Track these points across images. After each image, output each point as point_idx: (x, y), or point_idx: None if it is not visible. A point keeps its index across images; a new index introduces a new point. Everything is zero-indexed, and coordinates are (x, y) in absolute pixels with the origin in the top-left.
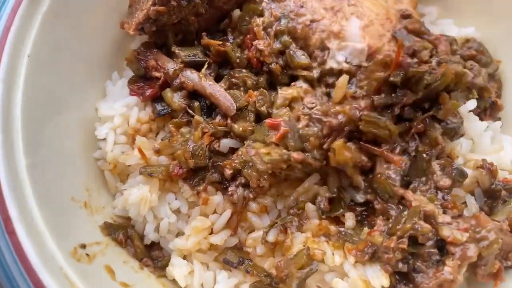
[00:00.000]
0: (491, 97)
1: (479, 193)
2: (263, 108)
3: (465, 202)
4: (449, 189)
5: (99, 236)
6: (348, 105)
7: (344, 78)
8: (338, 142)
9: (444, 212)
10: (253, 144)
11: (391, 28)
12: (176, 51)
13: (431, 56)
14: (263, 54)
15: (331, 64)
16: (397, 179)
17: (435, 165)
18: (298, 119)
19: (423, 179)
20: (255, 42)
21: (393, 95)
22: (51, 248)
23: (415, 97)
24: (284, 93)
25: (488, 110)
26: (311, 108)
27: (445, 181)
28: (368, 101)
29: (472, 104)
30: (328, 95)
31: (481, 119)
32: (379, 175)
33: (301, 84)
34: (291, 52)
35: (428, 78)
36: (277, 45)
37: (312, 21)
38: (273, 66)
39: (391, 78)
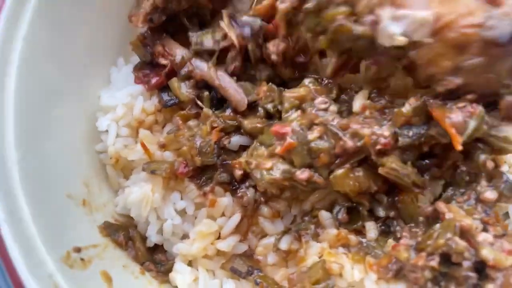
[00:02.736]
0: None
1: None
2: (270, 106)
3: (507, 213)
4: (493, 203)
5: (97, 237)
6: (371, 128)
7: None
8: (340, 172)
9: (485, 229)
10: (257, 152)
11: None
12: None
13: None
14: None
15: (382, 39)
16: (426, 199)
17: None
18: (311, 125)
19: (462, 189)
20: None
21: (423, 131)
22: (40, 253)
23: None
24: (291, 94)
25: None
26: (325, 110)
27: (490, 194)
28: (392, 131)
29: None
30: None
31: None
32: (404, 196)
33: (310, 83)
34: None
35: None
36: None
37: None
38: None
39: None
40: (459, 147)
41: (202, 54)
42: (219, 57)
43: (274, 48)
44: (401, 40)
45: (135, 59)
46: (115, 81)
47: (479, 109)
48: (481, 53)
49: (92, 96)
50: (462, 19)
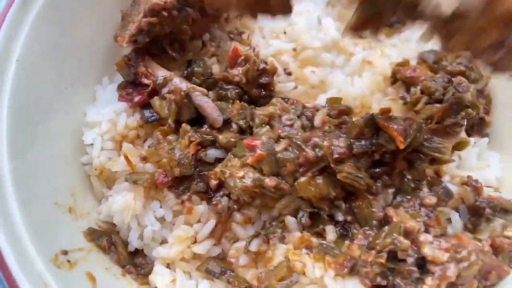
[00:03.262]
0: (479, 114)
1: (463, 209)
2: (242, 122)
3: (449, 218)
4: (433, 207)
5: (82, 242)
6: (329, 140)
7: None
8: (303, 180)
9: (427, 230)
10: (231, 163)
11: None
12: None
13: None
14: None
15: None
16: (379, 205)
17: (423, 182)
18: (278, 138)
19: (408, 195)
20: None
21: (373, 141)
22: (31, 254)
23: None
24: (261, 112)
25: (475, 126)
26: (290, 126)
27: (430, 199)
28: (347, 142)
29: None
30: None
31: (469, 135)
32: (359, 202)
33: (278, 102)
34: None
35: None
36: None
37: None
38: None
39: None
40: (402, 146)
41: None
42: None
43: (237, 71)
44: (449, 7)
45: (119, 78)
46: (100, 98)
47: (418, 119)
48: None
49: (78, 112)
50: None
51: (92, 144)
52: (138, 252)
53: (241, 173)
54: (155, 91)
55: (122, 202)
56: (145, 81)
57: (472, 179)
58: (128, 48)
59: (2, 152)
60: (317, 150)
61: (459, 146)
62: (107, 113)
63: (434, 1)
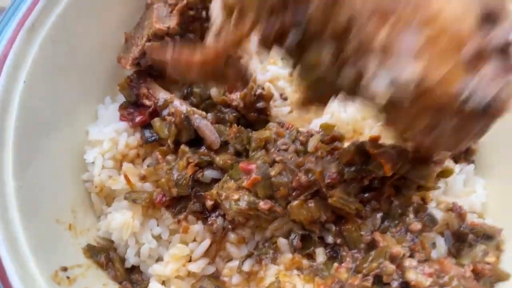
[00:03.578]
0: None
1: (448, 235)
2: (238, 146)
3: (435, 243)
4: (419, 232)
5: (81, 258)
6: (321, 166)
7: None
8: (296, 203)
9: (412, 255)
10: (227, 185)
11: (463, 51)
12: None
13: None
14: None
15: (363, 91)
16: (368, 229)
17: (409, 208)
18: (273, 163)
19: (396, 220)
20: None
21: (363, 167)
22: (33, 271)
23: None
24: (257, 136)
25: (462, 154)
26: (285, 150)
27: (416, 225)
28: (339, 168)
29: None
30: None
31: (456, 162)
32: (349, 226)
33: (274, 127)
34: None
35: None
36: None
37: (349, 22)
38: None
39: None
40: (389, 173)
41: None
42: None
43: (235, 96)
44: (381, 98)
45: (121, 98)
46: (102, 117)
47: (406, 147)
48: (455, 118)
49: (80, 130)
50: (443, 84)
51: (93, 162)
52: (134, 269)
53: (236, 196)
54: (155, 112)
55: (121, 220)
56: (147, 102)
57: (457, 206)
58: (130, 69)
59: (8, 170)
60: (309, 175)
61: (444, 174)
62: (108, 132)
63: (371, 89)
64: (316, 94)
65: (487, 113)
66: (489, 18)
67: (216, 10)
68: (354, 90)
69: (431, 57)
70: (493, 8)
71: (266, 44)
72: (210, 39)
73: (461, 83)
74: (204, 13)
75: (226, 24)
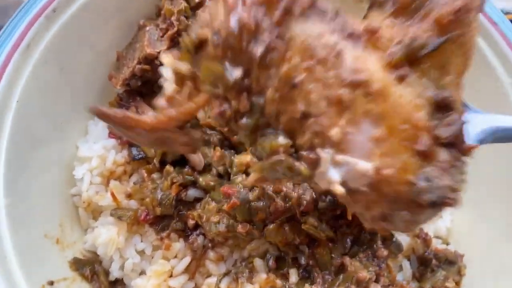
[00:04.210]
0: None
1: (413, 259)
2: (221, 169)
3: (401, 265)
4: (385, 258)
5: (67, 271)
6: (297, 193)
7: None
8: (272, 226)
9: (377, 280)
10: (208, 206)
11: (416, 143)
12: None
13: None
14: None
15: (320, 182)
16: (338, 252)
17: (377, 235)
18: (252, 187)
19: (364, 246)
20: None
21: (336, 199)
22: (21, 286)
23: None
24: (238, 160)
25: None
26: None
27: (382, 252)
28: (314, 196)
29: None
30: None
31: None
32: (321, 249)
33: None
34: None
35: None
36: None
37: (304, 115)
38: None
39: None
40: (350, 218)
41: None
42: None
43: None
44: (339, 190)
45: None
46: (92, 133)
47: None
48: (408, 208)
49: (70, 145)
50: (398, 176)
51: (82, 178)
52: (118, 282)
53: (216, 219)
54: None
55: (107, 236)
56: None
57: (423, 232)
58: (120, 89)
59: None
60: (286, 200)
61: None
62: (97, 149)
63: (326, 179)
64: (272, 177)
65: (439, 204)
66: (442, 108)
67: (167, 72)
68: (310, 176)
69: (385, 150)
70: (445, 99)
71: (222, 119)
72: (161, 102)
73: (415, 174)
74: None
75: (178, 92)
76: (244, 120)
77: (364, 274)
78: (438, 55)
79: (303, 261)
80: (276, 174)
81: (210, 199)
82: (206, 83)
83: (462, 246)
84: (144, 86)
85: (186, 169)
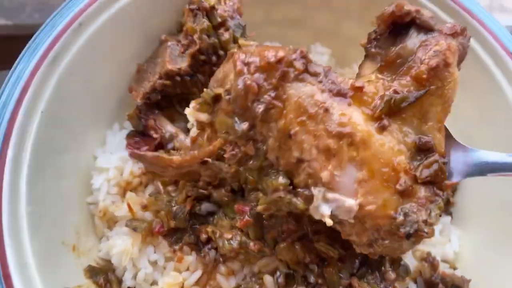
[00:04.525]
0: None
1: (420, 282)
2: (235, 185)
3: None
4: (392, 281)
5: (81, 278)
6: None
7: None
8: (284, 245)
9: None
10: (221, 222)
11: (396, 183)
12: None
13: None
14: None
15: (314, 214)
16: (347, 273)
17: (386, 257)
18: None
19: (373, 267)
20: None
21: None
22: None
23: None
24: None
25: None
26: None
27: (390, 275)
28: None
29: None
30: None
31: None
32: (330, 268)
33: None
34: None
35: None
36: None
37: (299, 160)
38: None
39: None
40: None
41: None
42: None
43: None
44: (328, 222)
45: (128, 125)
46: (110, 143)
47: None
48: (389, 238)
49: (88, 154)
50: (379, 211)
51: (99, 188)
52: None
53: (229, 236)
54: (161, 145)
55: (121, 247)
56: (154, 134)
57: (431, 256)
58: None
59: (21, 195)
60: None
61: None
62: (115, 161)
63: (318, 212)
64: (275, 209)
65: (417, 235)
66: (424, 151)
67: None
68: (306, 209)
69: (368, 189)
70: (426, 143)
71: (233, 159)
72: (187, 141)
73: (395, 210)
74: (214, 58)
75: (200, 135)
76: (251, 162)
77: None
78: (418, 106)
79: (312, 279)
80: (278, 206)
81: (223, 214)
82: (220, 131)
83: (469, 271)
84: (163, 100)
85: (201, 183)
